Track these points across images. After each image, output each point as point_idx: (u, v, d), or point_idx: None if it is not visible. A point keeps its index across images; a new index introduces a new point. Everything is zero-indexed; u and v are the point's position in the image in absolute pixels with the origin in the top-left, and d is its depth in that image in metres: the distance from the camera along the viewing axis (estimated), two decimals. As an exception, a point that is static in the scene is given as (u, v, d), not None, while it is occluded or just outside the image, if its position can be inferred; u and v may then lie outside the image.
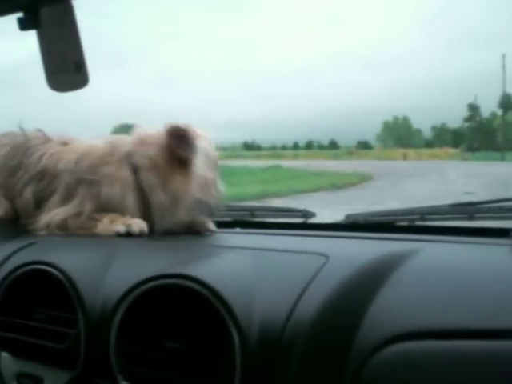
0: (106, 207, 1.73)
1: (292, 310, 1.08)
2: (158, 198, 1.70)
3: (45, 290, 1.35)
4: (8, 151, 1.93)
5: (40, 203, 1.83)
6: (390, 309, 1.03)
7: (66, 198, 1.78)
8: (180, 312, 1.16)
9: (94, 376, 1.25)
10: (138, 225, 1.65)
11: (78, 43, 1.24)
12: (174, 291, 1.15)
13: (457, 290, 1.04)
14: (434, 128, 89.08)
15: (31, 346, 1.33)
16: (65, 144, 1.88)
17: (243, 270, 1.23)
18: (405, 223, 1.84)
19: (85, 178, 1.75)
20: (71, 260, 1.37)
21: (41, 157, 1.85)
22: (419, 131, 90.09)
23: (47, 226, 1.74)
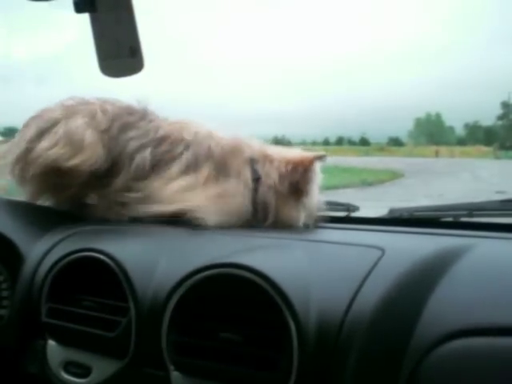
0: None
1: (351, 304, 1.05)
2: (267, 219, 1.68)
3: (94, 277, 1.34)
4: (126, 107, 1.80)
5: (155, 166, 1.71)
6: (449, 304, 1.01)
7: (189, 170, 1.68)
8: (234, 302, 1.14)
9: (143, 365, 1.23)
10: None
11: (134, 27, 1.21)
12: (229, 281, 1.13)
13: None
14: (466, 125, 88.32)
15: (80, 333, 1.32)
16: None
17: (299, 261, 1.20)
18: (450, 219, 1.79)
19: (217, 161, 1.69)
20: (121, 247, 1.36)
21: (159, 125, 1.75)
22: (452, 128, 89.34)
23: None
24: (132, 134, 1.72)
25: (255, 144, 1.76)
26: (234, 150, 1.71)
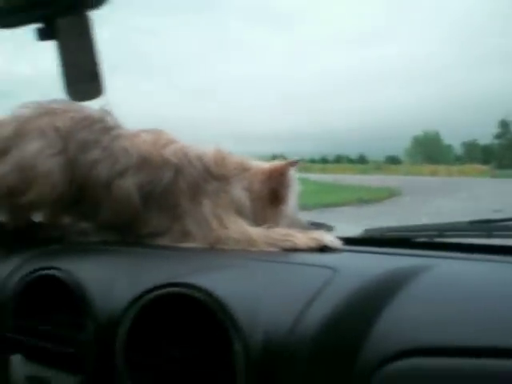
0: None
1: (297, 322, 1.08)
2: None
3: (56, 294, 1.36)
4: (81, 119, 1.65)
5: (149, 198, 1.60)
6: (398, 324, 1.03)
7: (195, 199, 1.60)
8: (185, 321, 1.17)
9: (101, 381, 1.26)
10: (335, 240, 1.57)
11: (95, 54, 1.26)
12: (179, 300, 1.16)
13: (467, 308, 1.04)
14: (464, 144, 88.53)
15: (41, 349, 1.35)
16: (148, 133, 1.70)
17: (251, 280, 1.24)
18: (423, 239, 1.82)
19: (215, 177, 1.64)
20: (80, 266, 1.40)
21: (127, 143, 1.63)
22: (449, 147, 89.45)
23: (235, 241, 1.55)
24: (95, 154, 1.60)
25: (234, 156, 1.74)
26: (221, 163, 1.67)
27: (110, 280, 1.33)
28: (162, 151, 1.63)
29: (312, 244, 1.54)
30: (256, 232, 1.58)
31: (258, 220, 1.65)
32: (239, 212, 1.64)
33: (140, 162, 1.61)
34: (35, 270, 1.40)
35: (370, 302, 1.09)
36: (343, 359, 1.02)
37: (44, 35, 1.21)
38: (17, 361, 1.41)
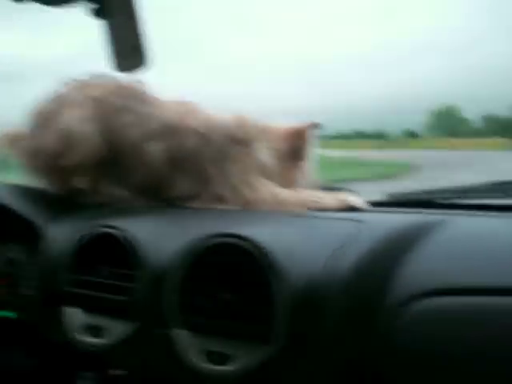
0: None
1: (327, 268, 1.20)
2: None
3: (109, 250, 1.48)
4: (114, 88, 1.76)
5: (176, 163, 1.69)
6: (420, 268, 1.15)
7: (221, 165, 1.69)
8: (231, 267, 1.29)
9: (153, 326, 1.37)
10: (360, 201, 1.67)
11: (140, 28, 1.38)
12: (226, 249, 1.28)
13: (484, 253, 1.15)
14: (483, 117, 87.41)
15: (95, 299, 1.48)
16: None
17: (286, 232, 1.36)
18: (443, 200, 1.91)
19: (239, 139, 1.71)
20: (132, 223, 1.51)
21: (159, 111, 1.73)
22: (468, 120, 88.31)
23: (263, 201, 1.64)
24: (127, 119, 1.70)
25: (254, 120, 1.80)
26: (243, 128, 1.74)
27: (160, 234, 1.45)
28: (187, 119, 1.72)
29: (339, 205, 1.64)
30: (285, 193, 1.67)
31: (281, 178, 1.74)
32: (265, 173, 1.71)
33: (166, 128, 1.70)
34: (89, 230, 1.53)
35: (395, 249, 1.21)
36: (371, 299, 1.14)
37: (96, 14, 1.32)
38: (72, 311, 1.53)
